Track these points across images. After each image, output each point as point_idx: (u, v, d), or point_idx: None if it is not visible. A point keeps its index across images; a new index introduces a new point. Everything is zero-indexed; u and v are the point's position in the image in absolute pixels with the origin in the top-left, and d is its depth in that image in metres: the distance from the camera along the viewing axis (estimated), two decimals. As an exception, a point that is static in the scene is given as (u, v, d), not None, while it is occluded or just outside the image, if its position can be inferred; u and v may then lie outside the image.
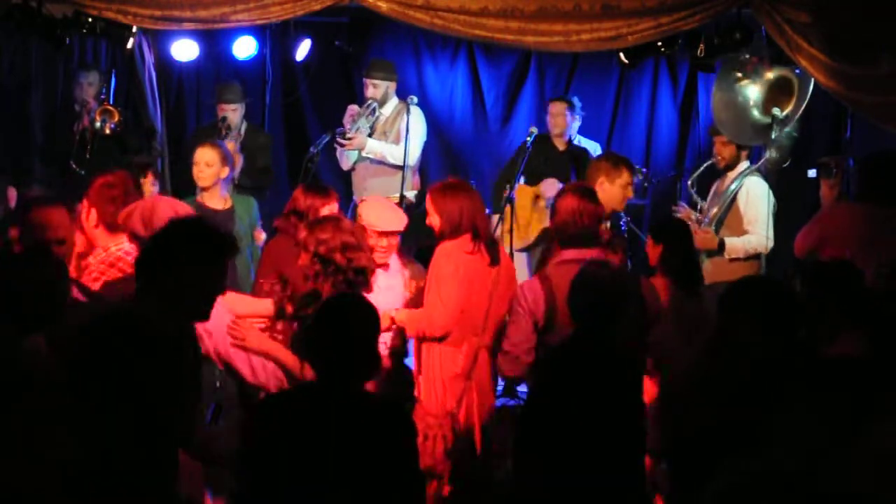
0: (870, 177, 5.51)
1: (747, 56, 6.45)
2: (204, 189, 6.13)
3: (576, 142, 8.29)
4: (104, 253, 4.28)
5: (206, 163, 6.07)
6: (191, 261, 3.24)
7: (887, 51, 5.66)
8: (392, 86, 7.44)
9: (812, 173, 6.55)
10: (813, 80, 6.23)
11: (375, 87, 7.36)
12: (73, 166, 7.25)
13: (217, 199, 6.19)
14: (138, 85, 8.13)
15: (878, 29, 5.70)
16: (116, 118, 7.32)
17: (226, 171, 6.11)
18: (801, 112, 6.48)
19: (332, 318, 3.34)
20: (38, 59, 8.27)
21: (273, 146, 8.09)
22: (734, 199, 6.40)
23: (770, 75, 6.46)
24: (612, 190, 5.91)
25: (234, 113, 7.55)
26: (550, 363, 4.01)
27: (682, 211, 6.60)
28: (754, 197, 6.30)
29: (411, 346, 5.16)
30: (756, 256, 6.32)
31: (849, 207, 5.74)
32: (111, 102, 7.55)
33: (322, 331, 3.30)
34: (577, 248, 4.63)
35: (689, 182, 6.80)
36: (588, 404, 3.73)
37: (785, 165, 6.89)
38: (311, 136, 8.46)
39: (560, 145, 7.85)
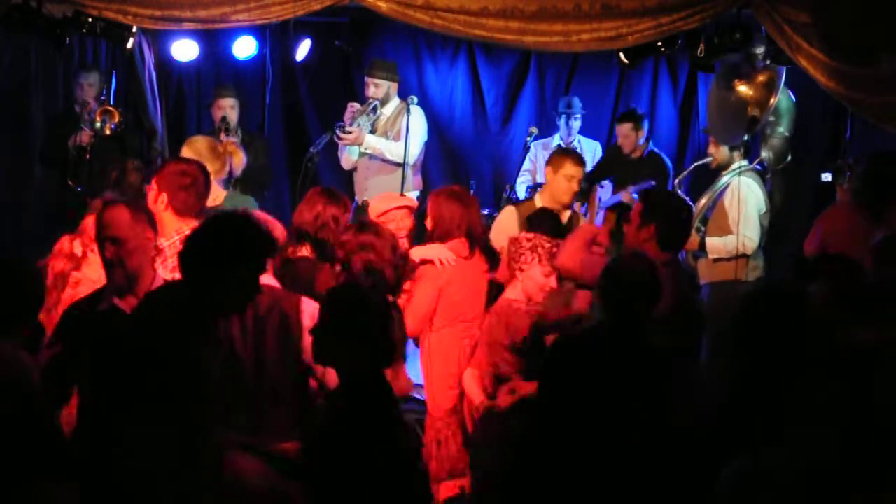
0: (869, 178, 5.51)
1: (742, 62, 6.45)
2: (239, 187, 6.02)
3: (576, 142, 8.30)
4: (177, 236, 4.33)
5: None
6: (231, 257, 3.30)
7: (887, 51, 5.65)
8: (394, 86, 7.44)
9: (826, 177, 6.54)
10: (784, 75, 6.25)
11: (377, 87, 7.36)
12: (70, 183, 7.23)
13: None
14: (138, 85, 8.12)
15: (878, 29, 5.69)
16: (117, 119, 7.31)
17: (213, 167, 5.87)
18: (770, 108, 6.47)
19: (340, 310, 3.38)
20: (38, 59, 8.27)
21: (272, 146, 8.09)
22: (720, 197, 6.41)
23: (762, 78, 6.47)
24: (554, 180, 5.98)
25: (231, 110, 7.53)
26: (567, 347, 3.99)
27: None
28: (739, 198, 6.28)
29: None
30: (743, 256, 6.30)
31: (847, 210, 5.75)
32: (111, 103, 7.55)
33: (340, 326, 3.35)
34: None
35: (676, 181, 6.81)
36: (606, 399, 3.72)
37: (783, 165, 6.89)
38: (311, 136, 8.46)
39: (635, 154, 7.97)
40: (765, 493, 2.73)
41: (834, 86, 5.90)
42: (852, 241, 5.14)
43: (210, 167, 5.69)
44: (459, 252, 4.94)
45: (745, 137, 6.37)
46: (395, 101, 7.42)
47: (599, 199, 7.53)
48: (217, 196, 5.78)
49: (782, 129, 6.80)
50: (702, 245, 6.30)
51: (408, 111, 7.07)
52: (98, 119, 7.28)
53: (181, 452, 3.17)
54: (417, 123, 7.22)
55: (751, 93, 6.43)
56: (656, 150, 8.12)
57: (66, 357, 3.77)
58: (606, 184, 7.94)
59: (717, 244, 6.28)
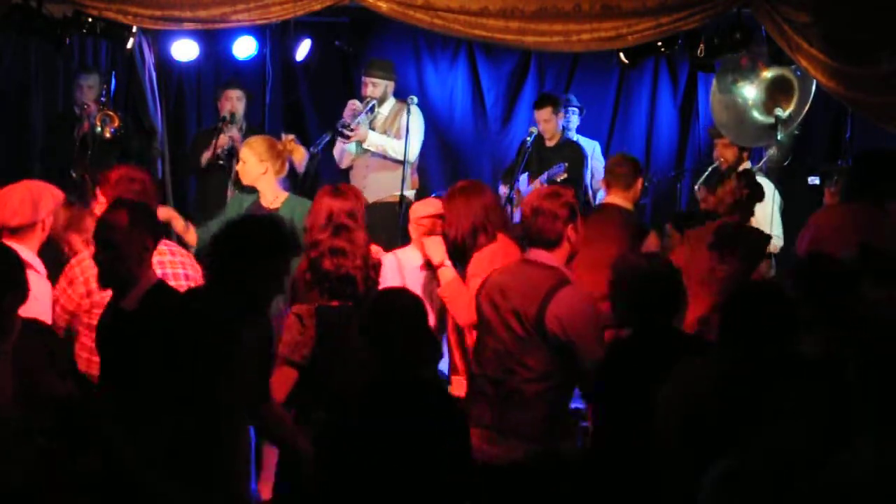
0: (859, 176, 5.52)
1: (742, 56, 6.43)
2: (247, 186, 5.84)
3: (574, 140, 8.29)
4: None
5: (242, 159, 5.74)
6: (252, 256, 3.37)
7: (887, 51, 5.65)
8: (391, 85, 7.44)
9: (814, 180, 6.56)
10: (815, 78, 6.23)
11: (375, 86, 7.36)
12: (72, 174, 7.23)
13: (268, 198, 5.70)
14: (138, 85, 8.13)
15: (878, 29, 5.69)
16: (116, 123, 7.31)
17: (274, 167, 5.65)
18: (805, 111, 6.46)
19: (382, 314, 3.44)
20: (38, 60, 8.28)
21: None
22: None
23: (767, 75, 6.45)
24: (638, 182, 5.85)
25: (238, 102, 7.52)
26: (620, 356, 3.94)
27: None
28: (764, 199, 6.27)
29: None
30: (768, 256, 6.29)
31: (839, 208, 5.77)
32: (111, 103, 7.55)
33: (380, 326, 3.41)
34: None
35: (697, 186, 6.77)
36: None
37: (786, 164, 6.89)
38: (311, 136, 8.45)
39: (550, 142, 7.95)
40: (749, 494, 2.74)
41: (834, 86, 5.90)
42: (847, 239, 5.14)
43: (271, 167, 5.63)
44: (509, 249, 4.75)
45: (780, 137, 6.33)
46: (391, 101, 7.42)
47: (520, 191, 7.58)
48: (278, 196, 5.66)
49: (791, 129, 6.80)
50: None
51: (408, 111, 7.06)
52: (98, 123, 7.28)
53: (210, 447, 3.20)
54: (416, 122, 7.22)
55: (761, 93, 6.43)
56: (574, 138, 8.08)
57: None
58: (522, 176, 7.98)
59: None
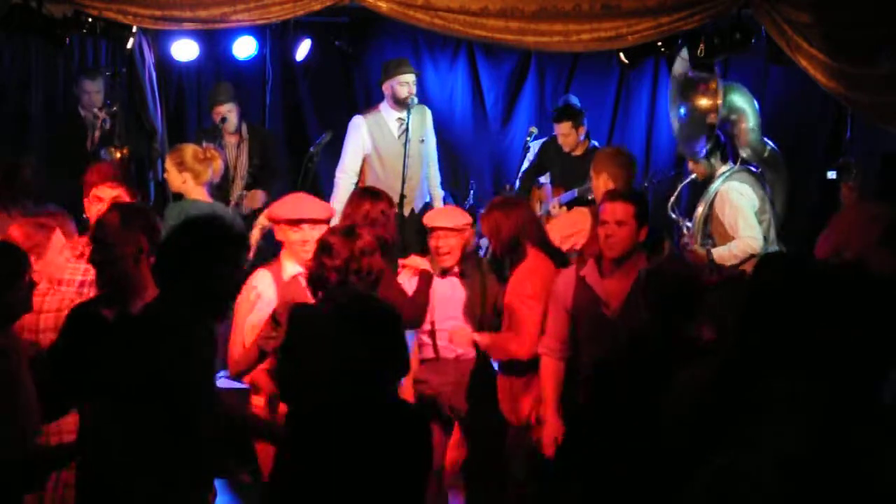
0: (888, 176, 5.53)
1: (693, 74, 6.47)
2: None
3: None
4: None
5: (166, 168, 5.97)
6: (203, 259, 3.26)
7: (887, 51, 5.66)
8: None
9: (831, 174, 6.52)
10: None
11: (411, 84, 7.18)
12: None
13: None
14: (138, 85, 8.13)
15: (878, 29, 5.69)
16: (126, 151, 7.32)
17: (193, 174, 5.84)
18: (718, 110, 6.45)
19: (347, 323, 3.33)
20: (38, 59, 8.28)
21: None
22: (711, 208, 6.37)
23: (713, 86, 6.47)
24: None
25: (231, 113, 7.53)
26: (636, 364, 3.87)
27: (685, 228, 6.56)
28: (728, 203, 6.23)
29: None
30: (752, 256, 6.28)
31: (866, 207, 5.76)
32: (113, 106, 7.56)
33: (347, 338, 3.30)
34: None
35: (669, 205, 6.69)
36: None
37: (765, 155, 6.84)
38: (311, 136, 8.46)
39: (577, 152, 7.88)
40: (742, 492, 2.73)
41: (834, 86, 5.90)
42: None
43: (190, 176, 5.85)
44: (546, 265, 4.87)
45: (707, 146, 6.33)
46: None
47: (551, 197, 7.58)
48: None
49: (751, 125, 6.75)
50: (710, 258, 6.26)
51: (408, 112, 7.05)
52: (110, 150, 7.30)
53: (175, 457, 3.16)
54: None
55: (707, 102, 6.46)
56: (599, 147, 7.97)
57: (73, 361, 3.72)
58: (544, 180, 7.97)
59: (723, 253, 6.22)
